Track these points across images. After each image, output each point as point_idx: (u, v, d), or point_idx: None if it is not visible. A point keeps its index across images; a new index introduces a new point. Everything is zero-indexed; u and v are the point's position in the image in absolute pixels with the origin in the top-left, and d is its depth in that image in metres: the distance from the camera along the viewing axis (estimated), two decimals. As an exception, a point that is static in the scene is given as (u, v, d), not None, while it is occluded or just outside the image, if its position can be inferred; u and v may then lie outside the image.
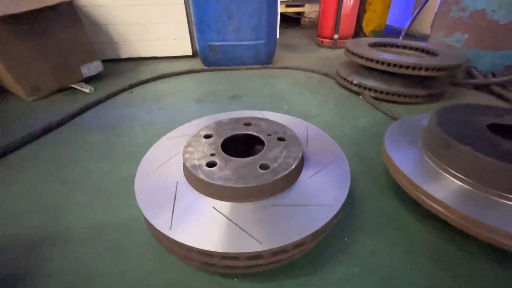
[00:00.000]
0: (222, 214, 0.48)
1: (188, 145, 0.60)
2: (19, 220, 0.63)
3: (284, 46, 2.17)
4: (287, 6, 2.74)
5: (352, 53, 1.21)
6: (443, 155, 0.58)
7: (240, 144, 0.67)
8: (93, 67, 1.42)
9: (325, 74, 1.47)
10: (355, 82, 1.21)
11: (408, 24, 1.73)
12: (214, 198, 0.51)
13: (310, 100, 1.21)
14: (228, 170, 0.52)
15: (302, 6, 2.77)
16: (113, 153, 0.87)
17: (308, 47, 2.14)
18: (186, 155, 0.57)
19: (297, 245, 0.45)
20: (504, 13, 1.14)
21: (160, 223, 0.46)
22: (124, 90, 1.33)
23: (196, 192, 0.52)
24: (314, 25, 2.91)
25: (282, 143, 0.60)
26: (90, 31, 1.62)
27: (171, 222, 0.46)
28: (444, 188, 0.55)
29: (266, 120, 0.69)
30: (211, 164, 0.54)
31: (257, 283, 0.50)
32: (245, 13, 1.41)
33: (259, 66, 1.58)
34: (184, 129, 0.75)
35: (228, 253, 0.42)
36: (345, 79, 1.27)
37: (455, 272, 0.51)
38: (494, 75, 1.25)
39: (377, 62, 1.11)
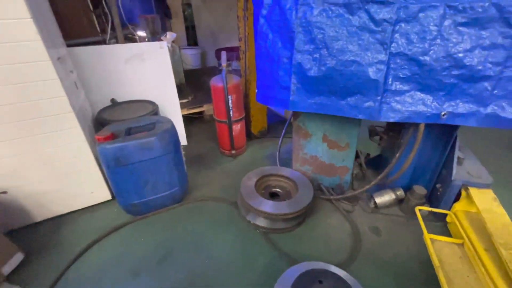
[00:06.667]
0: None
1: None
2: None
3: (193, 158, 2.57)
4: (189, 108, 3.19)
5: (246, 204, 1.71)
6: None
7: None
8: (13, 261, 1.47)
9: (234, 203, 1.95)
10: (252, 222, 1.72)
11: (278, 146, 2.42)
12: None
13: (226, 246, 1.64)
14: None
15: (201, 106, 3.28)
16: None
17: (213, 156, 2.62)
18: None
19: None
20: (327, 157, 1.88)
21: None
22: (57, 281, 1.44)
23: None
24: (213, 118, 3.45)
25: None
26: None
27: None
28: None
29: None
30: None
31: None
32: (158, 175, 1.76)
33: (176, 205, 1.93)
34: None
35: None
36: (244, 217, 1.77)
37: None
38: (333, 189, 1.99)
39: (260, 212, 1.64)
